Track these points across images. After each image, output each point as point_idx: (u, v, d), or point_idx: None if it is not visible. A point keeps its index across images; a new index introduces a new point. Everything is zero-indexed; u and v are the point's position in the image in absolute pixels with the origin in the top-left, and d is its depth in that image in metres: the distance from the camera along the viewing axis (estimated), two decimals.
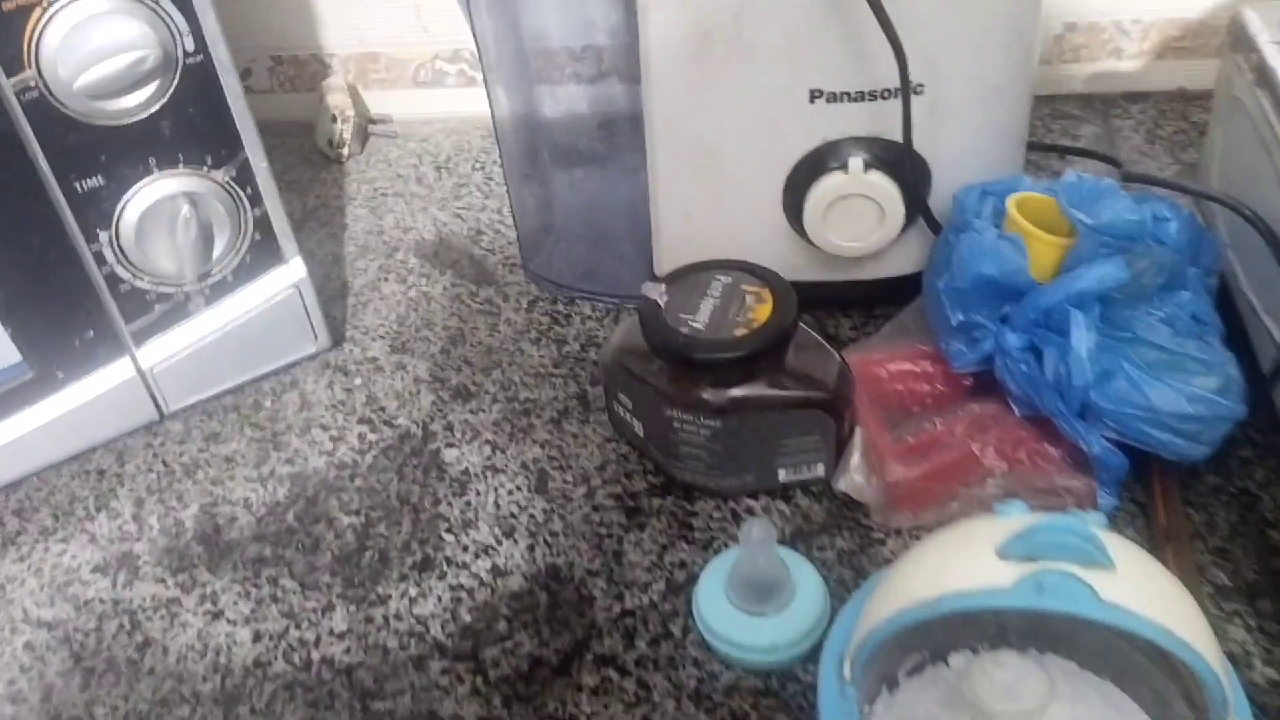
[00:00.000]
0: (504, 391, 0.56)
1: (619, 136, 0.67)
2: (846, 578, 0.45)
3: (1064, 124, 0.67)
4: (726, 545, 0.47)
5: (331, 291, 0.62)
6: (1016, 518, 0.33)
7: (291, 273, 0.54)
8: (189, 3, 0.44)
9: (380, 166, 0.72)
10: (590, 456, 0.52)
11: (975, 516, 0.34)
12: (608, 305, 0.59)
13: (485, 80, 0.57)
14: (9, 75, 0.42)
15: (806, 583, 0.43)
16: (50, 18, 0.42)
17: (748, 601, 0.42)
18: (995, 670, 0.38)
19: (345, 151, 0.72)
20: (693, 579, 0.46)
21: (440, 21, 0.72)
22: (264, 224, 0.51)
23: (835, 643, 0.37)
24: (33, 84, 0.43)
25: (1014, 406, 0.46)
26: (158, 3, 0.44)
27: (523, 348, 0.58)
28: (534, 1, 0.60)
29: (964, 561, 0.33)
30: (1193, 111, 0.66)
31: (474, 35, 0.56)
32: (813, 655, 0.41)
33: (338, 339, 0.59)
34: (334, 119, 0.72)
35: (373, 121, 0.74)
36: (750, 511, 0.48)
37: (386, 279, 0.63)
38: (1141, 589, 0.31)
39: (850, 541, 0.46)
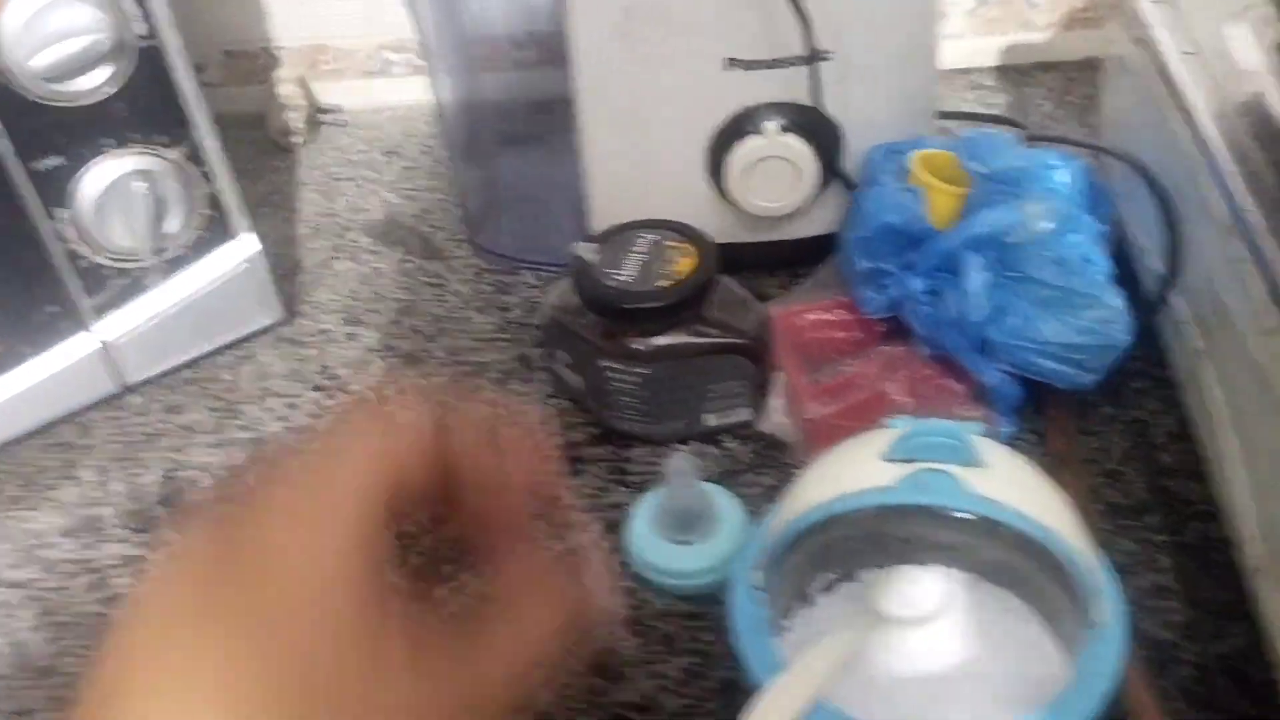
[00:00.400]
0: (451, 356, 0.59)
1: (559, 118, 0.70)
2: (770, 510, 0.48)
3: (979, 94, 0.71)
4: (657, 486, 0.50)
5: (285, 270, 0.65)
6: (899, 427, 0.36)
7: (245, 247, 0.56)
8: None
9: (332, 154, 0.74)
10: (534, 411, 0.55)
11: (868, 430, 0.38)
12: (549, 274, 0.63)
13: (430, 68, 0.60)
14: None
15: (729, 512, 0.46)
16: (7, 3, 0.44)
17: (674, 531, 0.45)
18: (897, 581, 0.41)
19: (297, 140, 0.75)
20: (628, 520, 0.49)
21: (387, 13, 0.75)
22: (216, 201, 0.54)
23: (746, 558, 0.40)
24: None
25: (921, 347, 0.50)
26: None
27: (469, 315, 0.61)
28: None
29: (853, 467, 0.36)
30: (1098, 78, 0.70)
31: (416, 25, 0.59)
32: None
33: (292, 313, 0.62)
34: (285, 109, 0.75)
35: (323, 111, 0.77)
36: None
37: (339, 257, 0.66)
38: (1010, 484, 0.34)
39: (774, 478, 0.50)
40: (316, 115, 0.76)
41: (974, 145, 0.49)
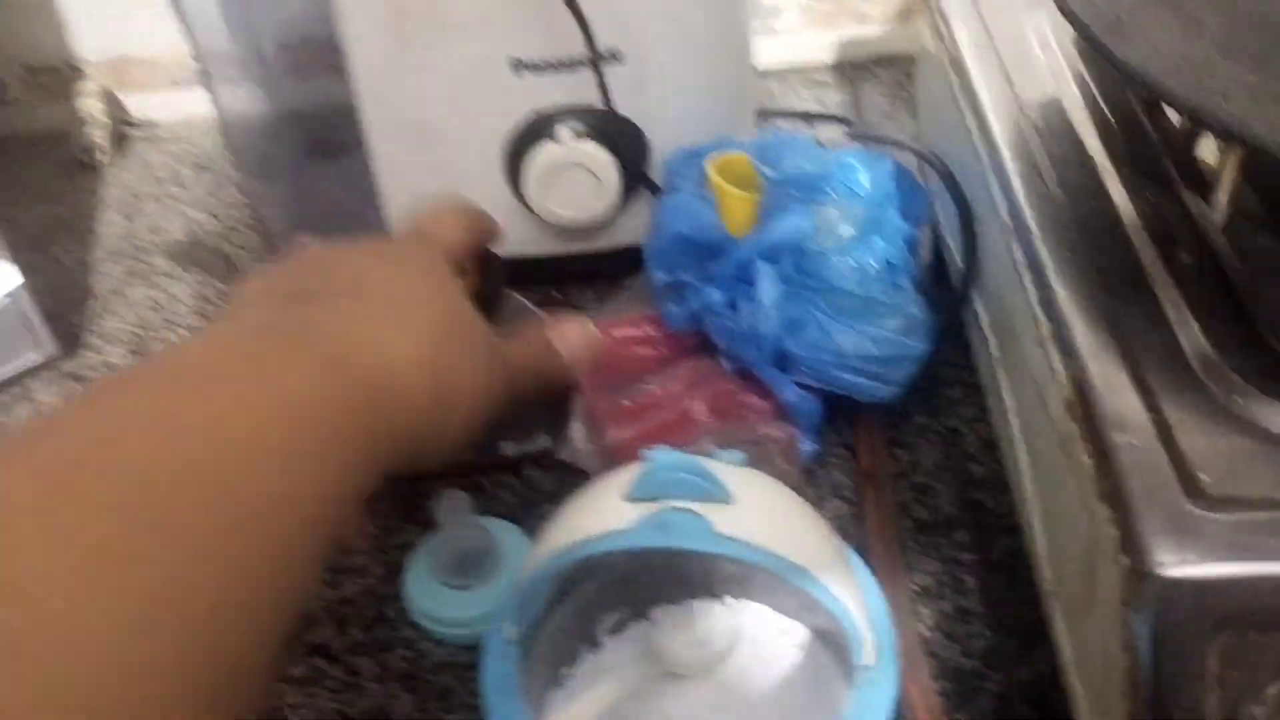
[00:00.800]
0: None
1: (345, 132, 0.66)
2: None
3: (815, 91, 0.69)
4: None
5: (74, 298, 0.60)
6: (648, 462, 0.33)
7: (4, 281, 0.52)
8: None
9: (138, 170, 0.70)
10: None
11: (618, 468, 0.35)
12: None
13: (206, 79, 0.56)
14: None
15: (516, 552, 0.43)
16: None
17: (453, 574, 0.42)
18: (685, 620, 0.38)
19: (101, 158, 0.70)
20: (408, 564, 0.45)
21: (195, 22, 0.70)
22: None
23: (502, 610, 0.37)
24: None
25: (723, 361, 0.47)
26: None
27: None
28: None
29: (595, 508, 0.33)
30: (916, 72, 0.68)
31: (188, 33, 0.55)
32: None
33: (73, 346, 0.57)
34: (88, 125, 0.70)
35: (130, 125, 0.72)
36: (479, 488, 0.48)
37: (132, 283, 0.61)
38: (761, 520, 0.32)
39: None
40: (124, 130, 0.72)
41: (767, 148, 0.47)
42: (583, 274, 0.56)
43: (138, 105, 0.73)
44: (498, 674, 0.34)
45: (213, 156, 0.70)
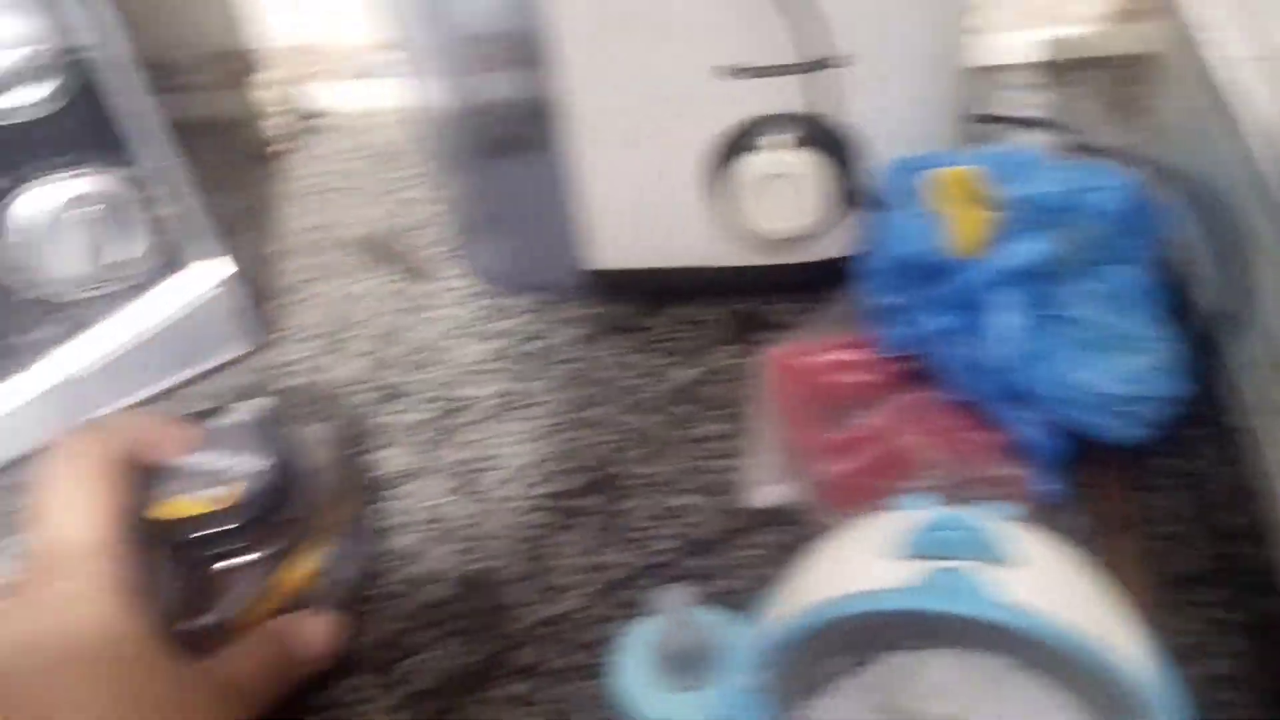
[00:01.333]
0: (439, 389, 0.54)
1: (541, 126, 0.64)
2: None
3: (1019, 94, 0.65)
4: (656, 547, 0.45)
5: (260, 293, 0.60)
6: (915, 513, 0.31)
7: (215, 271, 0.52)
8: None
9: (315, 163, 0.70)
10: (523, 454, 0.50)
11: (874, 514, 0.32)
12: (545, 299, 0.58)
13: (410, 68, 0.55)
14: None
15: (737, 640, 0.39)
16: None
17: (674, 673, 0.38)
18: (924, 671, 0.36)
19: (280, 148, 0.70)
20: (621, 582, 0.44)
21: (377, 12, 0.70)
22: (173, 224, 0.50)
23: (734, 663, 0.34)
24: None
25: (943, 393, 0.44)
26: None
27: (459, 345, 0.56)
28: None
29: (858, 562, 0.31)
30: (1150, 76, 0.64)
31: (398, 21, 0.55)
32: None
33: (266, 339, 0.57)
34: (268, 115, 0.70)
35: (309, 116, 0.72)
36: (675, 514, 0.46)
37: (318, 279, 0.61)
38: (1043, 584, 0.29)
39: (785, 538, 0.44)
40: (303, 121, 0.72)
41: (1004, 163, 0.43)
42: (780, 286, 0.54)
43: (318, 95, 0.73)
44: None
45: (395, 151, 0.70)
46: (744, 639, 0.34)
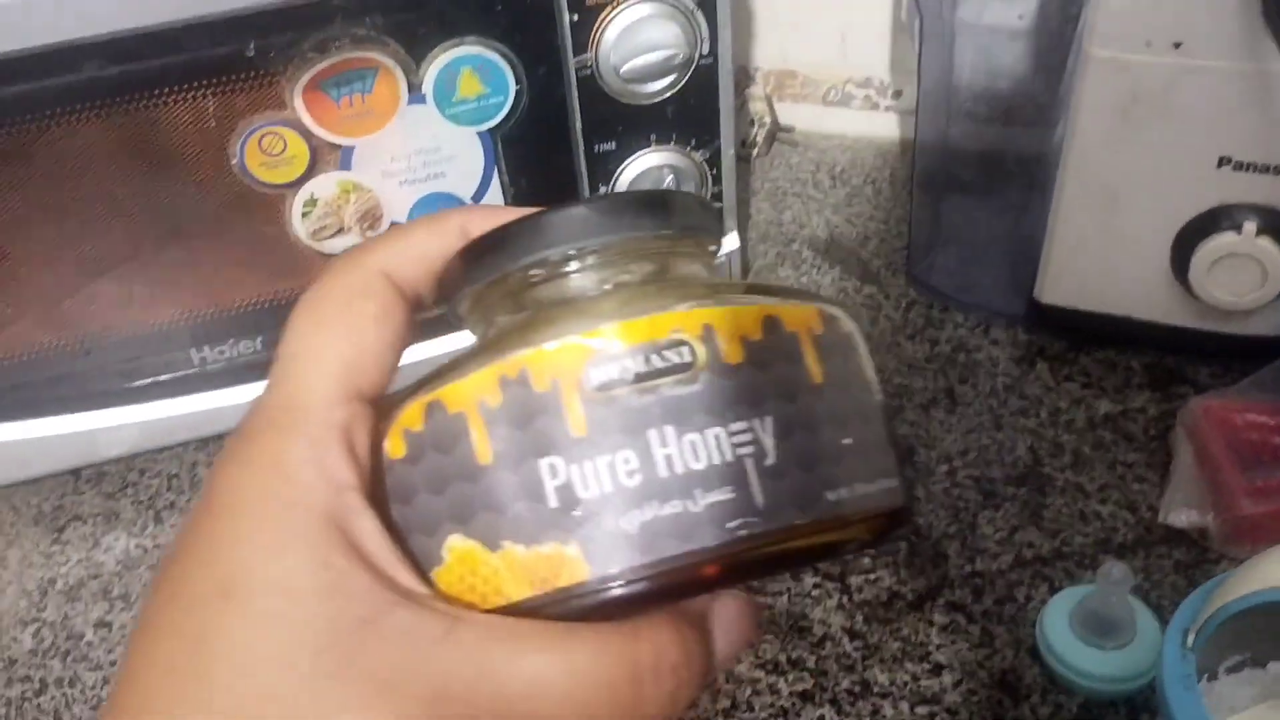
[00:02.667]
0: (879, 374, 0.64)
1: (1006, 172, 0.74)
2: (1179, 584, 0.51)
3: None
4: (1073, 539, 0.54)
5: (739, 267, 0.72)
6: None
7: (729, 243, 0.65)
8: (714, 14, 0.55)
9: (782, 169, 0.82)
10: (953, 442, 0.60)
11: None
12: (979, 318, 0.67)
13: (917, 105, 0.66)
14: (575, 55, 0.55)
15: (1146, 627, 0.48)
16: (616, 15, 0.54)
17: (1092, 634, 0.48)
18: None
19: (754, 152, 0.83)
20: (1040, 559, 0.53)
21: (859, 51, 0.82)
22: (717, 200, 0.63)
23: (1181, 619, 0.43)
24: (588, 65, 0.55)
25: None
26: (691, 14, 0.55)
27: (899, 341, 0.66)
28: (964, 45, 0.68)
29: None
30: None
31: (918, 65, 0.66)
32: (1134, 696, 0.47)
33: None
34: (751, 123, 0.83)
35: (781, 129, 0.85)
36: (1094, 517, 0.55)
37: (782, 264, 0.73)
38: None
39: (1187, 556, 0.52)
40: (776, 132, 0.84)
41: None
42: (1209, 351, 0.61)
43: (788, 112, 0.85)
44: (1178, 675, 0.41)
45: (847, 171, 0.81)
46: (1188, 608, 0.42)
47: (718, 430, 0.22)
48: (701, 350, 0.22)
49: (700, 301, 0.23)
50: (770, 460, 0.22)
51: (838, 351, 0.25)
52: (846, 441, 0.24)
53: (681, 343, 0.22)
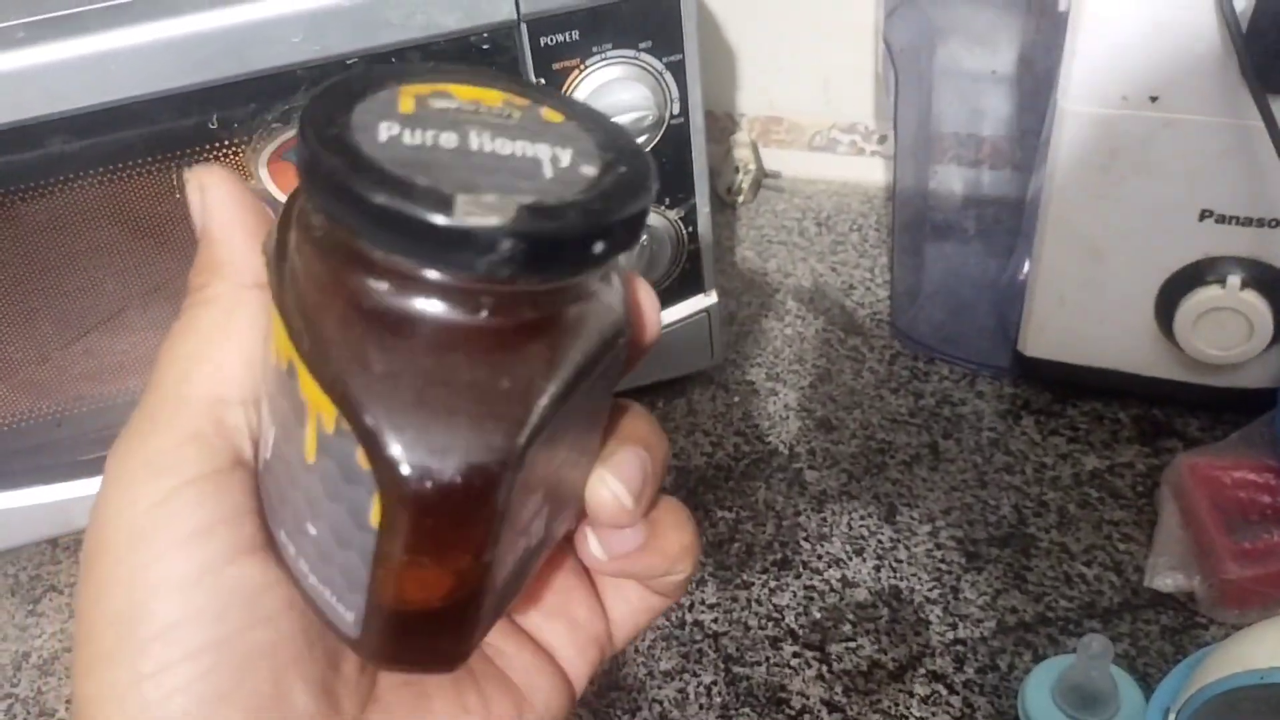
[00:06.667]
0: (862, 430, 0.63)
1: (989, 218, 0.73)
2: (1166, 651, 0.50)
3: None
4: (1057, 604, 0.53)
5: (719, 318, 0.72)
6: None
7: (706, 300, 0.64)
8: (683, 75, 0.55)
9: (768, 216, 0.81)
10: (937, 501, 0.59)
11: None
12: (964, 370, 0.66)
13: (895, 154, 0.65)
14: None
15: (1130, 700, 0.47)
16: (583, 79, 0.53)
17: (1073, 707, 0.46)
18: None
19: (740, 199, 0.82)
20: (1023, 625, 0.52)
21: (843, 96, 0.81)
22: (695, 257, 0.62)
23: (1162, 697, 0.42)
24: None
25: None
26: (660, 74, 0.54)
27: (882, 395, 0.65)
28: (942, 91, 0.68)
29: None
30: None
31: (894, 114, 0.65)
32: None
33: (722, 361, 0.69)
34: (736, 170, 0.82)
35: (766, 175, 0.84)
36: (1083, 579, 0.54)
37: (766, 315, 0.72)
38: None
39: (1174, 621, 0.51)
40: (761, 179, 0.84)
41: None
42: (1197, 404, 0.60)
43: (774, 159, 0.85)
44: None
45: (833, 217, 0.80)
46: (1169, 685, 0.41)
47: None
48: None
49: None
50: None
51: None
52: None
53: None
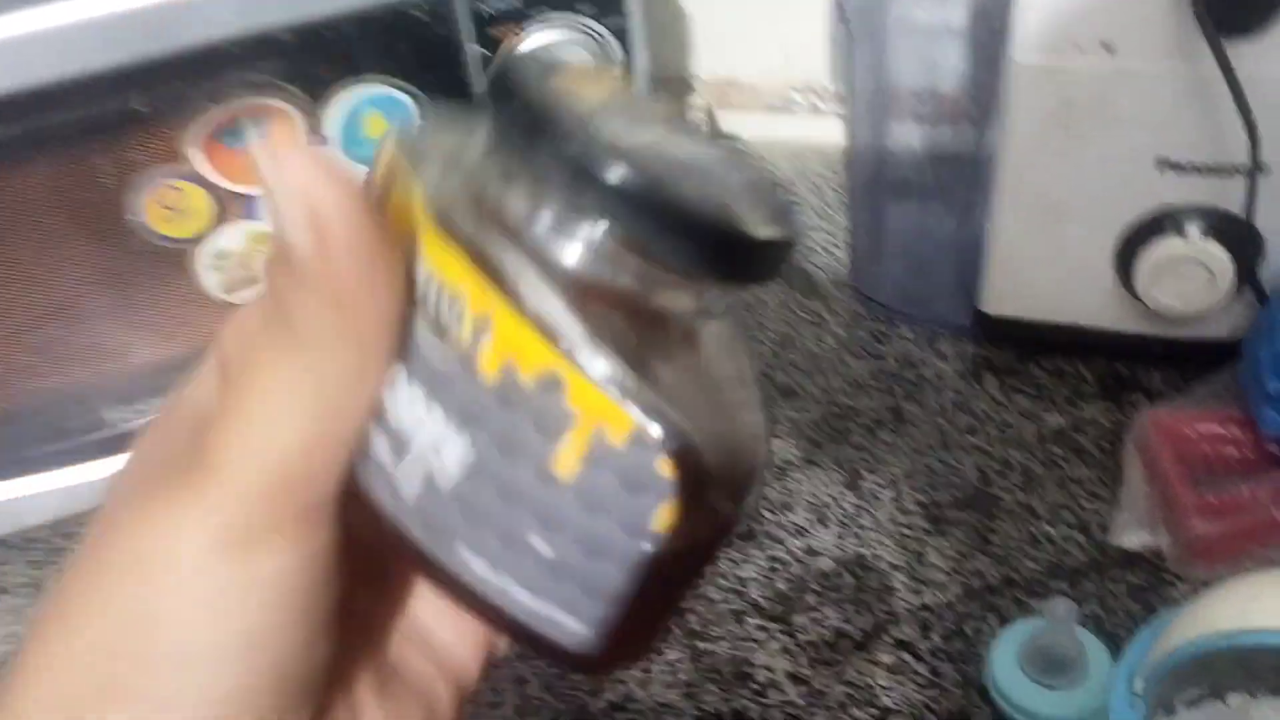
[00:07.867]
0: (825, 395, 0.62)
1: (949, 175, 0.72)
2: (1134, 610, 0.49)
3: None
4: (1023, 565, 0.52)
5: None
6: None
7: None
8: (627, 38, 0.53)
9: None
10: (900, 464, 0.58)
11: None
12: (926, 331, 0.65)
13: (850, 113, 0.64)
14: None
15: (1097, 662, 0.46)
16: (521, 46, 0.52)
17: (1037, 670, 0.46)
18: (1273, 716, 0.41)
19: None
20: (989, 588, 0.51)
21: (799, 56, 0.79)
22: None
23: (1129, 662, 0.41)
24: None
25: None
26: (604, 39, 0.53)
27: (844, 359, 0.64)
28: (898, 46, 0.66)
29: (1272, 603, 0.37)
30: None
31: (849, 72, 0.63)
32: None
33: None
34: None
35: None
36: (1049, 539, 0.53)
37: None
38: None
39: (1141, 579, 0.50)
40: None
41: None
42: (1161, 357, 0.59)
43: (732, 123, 0.83)
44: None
45: (791, 179, 0.79)
46: (1135, 649, 0.41)
47: None
48: None
49: None
50: None
51: None
52: None
53: None
